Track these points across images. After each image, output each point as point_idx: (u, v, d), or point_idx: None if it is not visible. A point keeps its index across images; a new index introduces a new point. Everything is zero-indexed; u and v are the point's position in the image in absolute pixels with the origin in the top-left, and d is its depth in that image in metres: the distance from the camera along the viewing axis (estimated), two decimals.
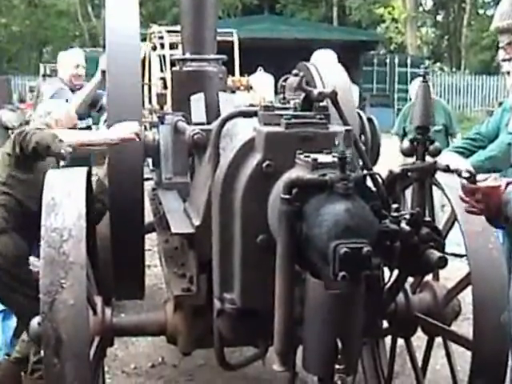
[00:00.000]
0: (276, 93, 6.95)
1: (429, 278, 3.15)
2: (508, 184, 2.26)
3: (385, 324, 3.10)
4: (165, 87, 9.25)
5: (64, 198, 2.65)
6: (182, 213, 3.16)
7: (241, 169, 2.39)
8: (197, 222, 2.80)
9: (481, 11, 34.80)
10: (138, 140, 3.38)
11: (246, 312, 2.43)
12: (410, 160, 2.48)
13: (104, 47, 3.64)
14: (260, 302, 2.26)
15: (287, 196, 2.00)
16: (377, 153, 3.51)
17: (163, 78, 10.88)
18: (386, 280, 2.58)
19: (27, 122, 4.34)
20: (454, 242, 3.10)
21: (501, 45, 3.25)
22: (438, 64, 31.50)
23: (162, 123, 3.91)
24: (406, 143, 2.44)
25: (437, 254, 2.21)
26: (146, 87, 11.65)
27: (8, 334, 4.23)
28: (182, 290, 2.97)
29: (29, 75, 25.66)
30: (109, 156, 3.44)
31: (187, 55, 3.94)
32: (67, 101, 4.97)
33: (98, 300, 2.97)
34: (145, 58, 11.22)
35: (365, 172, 2.26)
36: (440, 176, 2.71)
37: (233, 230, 2.40)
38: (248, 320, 2.47)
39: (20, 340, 3.81)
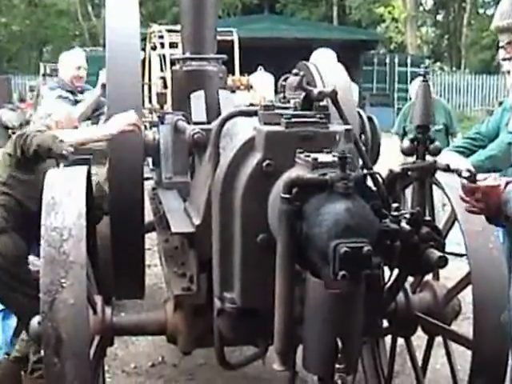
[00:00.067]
0: (276, 92, 6.96)
1: (429, 277, 3.15)
2: (507, 183, 2.26)
3: (385, 323, 3.10)
4: (165, 86, 9.26)
5: (64, 197, 2.65)
6: (182, 212, 3.16)
7: (241, 168, 2.39)
8: (197, 222, 2.80)
9: (481, 11, 34.79)
10: (137, 131, 3.38)
11: (246, 311, 2.43)
12: (411, 159, 2.48)
13: (104, 46, 3.64)
14: (260, 302, 2.26)
15: (287, 195, 2.00)
16: (377, 152, 3.51)
17: (163, 78, 10.88)
18: (386, 279, 2.58)
19: (27, 122, 4.35)
20: (454, 241, 3.10)
21: (501, 44, 3.25)
22: (438, 63, 31.50)
23: (162, 123, 3.91)
24: (407, 142, 2.45)
25: (437, 253, 2.21)
26: (146, 87, 11.66)
27: (8, 334, 4.23)
28: (182, 290, 2.97)
29: (29, 75, 25.68)
30: (109, 155, 3.44)
31: (187, 54, 3.94)
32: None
33: (98, 299, 2.97)
34: (145, 57, 11.22)
35: (365, 171, 2.26)
36: (440, 175, 2.71)
37: (233, 230, 2.40)
38: (248, 319, 2.47)
39: (19, 339, 3.81)
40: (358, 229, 1.91)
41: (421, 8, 32.71)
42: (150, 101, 10.41)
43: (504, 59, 3.30)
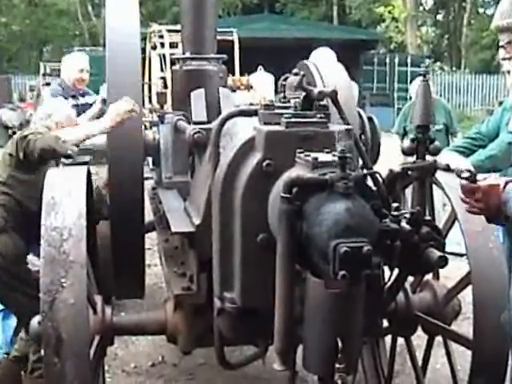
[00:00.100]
0: (276, 92, 6.95)
1: (429, 277, 3.15)
2: (507, 183, 2.26)
3: (385, 323, 3.10)
4: (165, 86, 9.27)
5: (64, 197, 2.65)
6: (182, 212, 3.16)
7: (241, 168, 2.39)
8: (197, 221, 2.80)
9: (481, 10, 34.79)
10: (134, 115, 3.38)
11: (246, 311, 2.43)
12: (411, 159, 2.48)
13: (104, 46, 3.64)
14: (260, 301, 2.26)
15: (287, 195, 2.00)
16: (377, 152, 3.51)
17: (163, 77, 10.89)
18: (387, 279, 2.58)
19: (27, 122, 4.34)
20: (454, 241, 3.10)
21: (501, 43, 3.25)
22: (438, 63, 31.46)
23: (162, 122, 3.91)
24: (407, 142, 2.44)
25: (437, 253, 2.21)
26: (146, 86, 11.67)
27: (8, 333, 4.23)
28: (182, 289, 2.97)
29: (29, 74, 25.71)
30: (109, 155, 3.44)
31: (187, 54, 3.94)
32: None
33: (98, 299, 2.97)
34: (145, 57, 11.23)
35: (365, 171, 2.26)
36: (440, 175, 2.71)
37: (233, 229, 2.40)
38: (248, 319, 2.47)
39: (18, 338, 3.81)
40: (358, 228, 1.91)
41: (421, 8, 32.70)
42: (150, 100, 10.42)
43: (504, 59, 3.30)
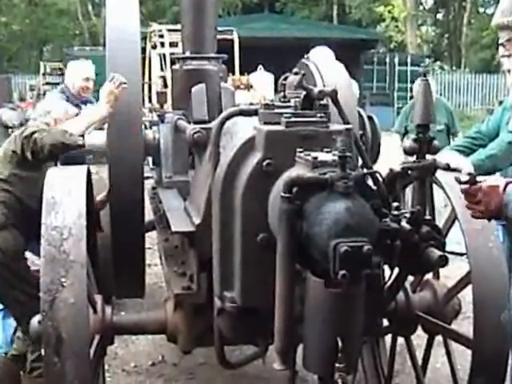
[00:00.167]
0: (276, 91, 6.95)
1: (429, 276, 3.15)
2: (507, 184, 2.26)
3: (385, 323, 3.10)
4: (165, 86, 9.27)
5: (64, 197, 2.65)
6: (182, 211, 3.16)
7: (241, 167, 2.39)
8: (197, 221, 2.80)
9: (481, 10, 34.77)
10: (125, 86, 3.42)
11: (247, 310, 2.43)
12: (411, 158, 2.47)
13: (104, 46, 3.64)
14: (260, 301, 2.26)
15: (287, 194, 2.00)
16: (377, 151, 3.51)
17: (163, 77, 10.90)
18: (387, 279, 2.58)
19: (27, 121, 4.34)
20: (454, 240, 3.10)
21: (500, 41, 3.25)
22: (438, 62, 31.43)
23: (162, 122, 3.91)
24: (410, 142, 2.44)
25: (437, 252, 2.21)
26: (146, 86, 11.67)
27: (8, 333, 4.22)
28: (182, 289, 2.97)
29: (29, 74, 25.72)
30: (109, 155, 3.44)
31: (187, 54, 3.95)
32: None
33: (99, 298, 2.97)
34: (145, 56, 11.23)
35: (365, 170, 2.25)
36: (440, 174, 2.71)
37: (233, 229, 2.40)
38: (248, 318, 2.47)
39: (16, 337, 3.81)
40: (358, 228, 1.91)
41: (421, 7, 32.69)
42: (150, 100, 10.42)
43: (503, 56, 3.30)
